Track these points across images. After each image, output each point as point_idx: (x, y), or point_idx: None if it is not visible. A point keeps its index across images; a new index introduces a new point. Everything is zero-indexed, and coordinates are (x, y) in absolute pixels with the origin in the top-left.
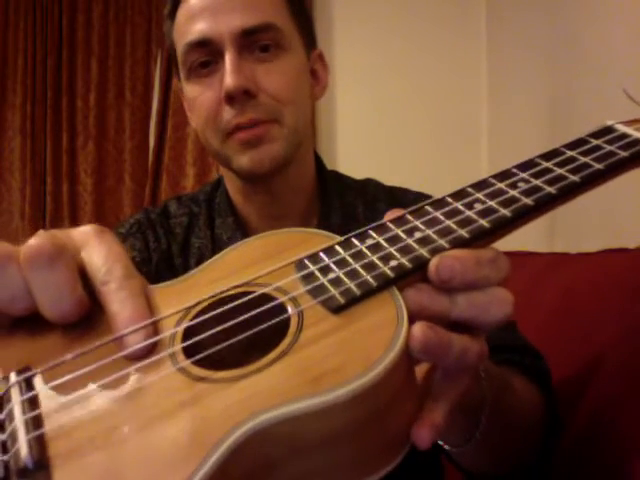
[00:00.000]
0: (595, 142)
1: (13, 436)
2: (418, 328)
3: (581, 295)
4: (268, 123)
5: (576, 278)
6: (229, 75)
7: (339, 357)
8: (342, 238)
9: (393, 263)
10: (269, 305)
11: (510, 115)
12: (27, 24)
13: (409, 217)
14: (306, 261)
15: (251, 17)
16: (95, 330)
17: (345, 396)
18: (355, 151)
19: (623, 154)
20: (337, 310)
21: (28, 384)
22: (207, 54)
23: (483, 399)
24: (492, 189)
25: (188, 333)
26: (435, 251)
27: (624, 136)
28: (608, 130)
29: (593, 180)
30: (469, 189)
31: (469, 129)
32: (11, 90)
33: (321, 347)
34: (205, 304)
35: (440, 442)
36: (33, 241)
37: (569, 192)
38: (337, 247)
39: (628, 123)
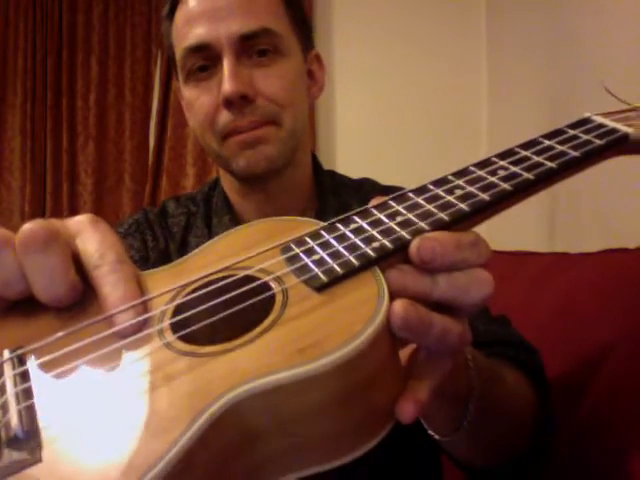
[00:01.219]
0: (572, 132)
1: (4, 408)
2: (399, 304)
3: (581, 295)
4: (266, 125)
5: (576, 278)
6: (227, 81)
7: (322, 331)
8: (327, 223)
9: (375, 244)
10: (254, 284)
11: (510, 114)
12: (27, 24)
13: (392, 203)
14: (291, 244)
15: (249, 22)
16: (88, 313)
17: (327, 366)
18: (354, 151)
19: (599, 142)
20: (320, 288)
21: (20, 361)
22: (205, 59)
23: (471, 388)
24: (472, 176)
25: (176, 312)
26: (416, 233)
27: (601, 126)
28: (585, 121)
29: (570, 167)
30: (450, 177)
31: (469, 128)
32: (11, 90)
33: (304, 322)
34: (194, 286)
35: (431, 432)
36: (28, 226)
37: (546, 178)
38: (322, 231)
39: (606, 115)
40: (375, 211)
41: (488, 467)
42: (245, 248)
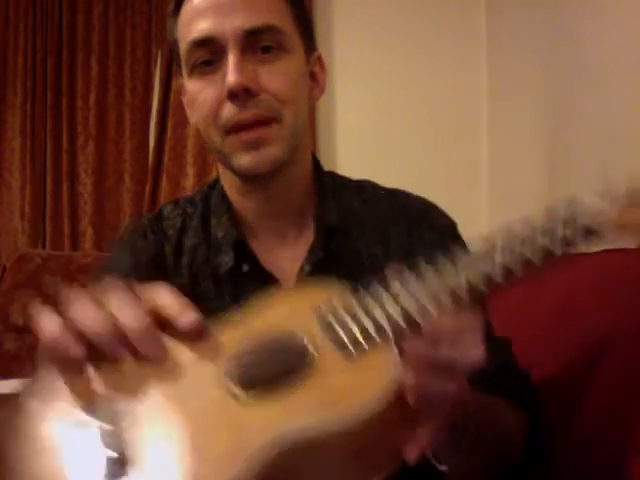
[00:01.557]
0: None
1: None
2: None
3: (581, 295)
4: (269, 123)
5: (576, 278)
6: (231, 73)
7: (348, 392)
8: (355, 296)
9: (392, 322)
10: (297, 347)
11: (510, 114)
12: (27, 24)
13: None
14: (328, 316)
15: (254, 18)
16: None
17: (351, 420)
18: (354, 151)
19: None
20: (349, 358)
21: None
22: (210, 52)
23: (467, 418)
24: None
25: (238, 366)
26: (425, 313)
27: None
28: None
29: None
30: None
31: (469, 128)
32: (11, 90)
33: (336, 381)
34: (250, 344)
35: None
36: (134, 324)
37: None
38: (353, 303)
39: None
40: (395, 286)
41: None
42: (280, 310)
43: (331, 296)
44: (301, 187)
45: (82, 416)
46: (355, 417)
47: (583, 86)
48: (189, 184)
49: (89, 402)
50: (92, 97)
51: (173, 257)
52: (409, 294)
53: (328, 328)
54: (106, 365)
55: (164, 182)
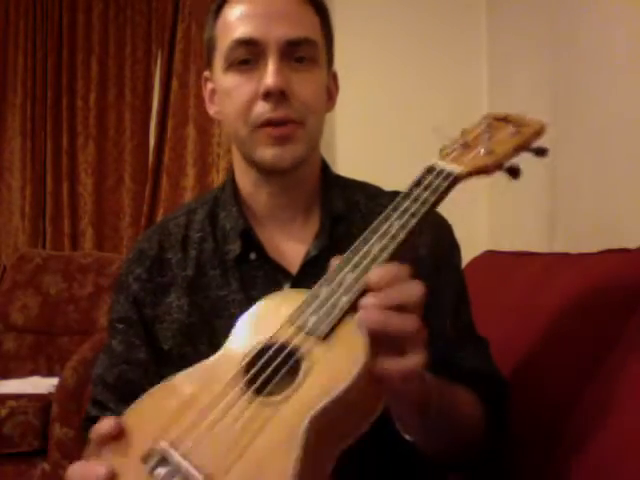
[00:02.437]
0: (428, 179)
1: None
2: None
3: (581, 295)
4: (296, 124)
5: (576, 278)
6: (272, 75)
7: (335, 373)
8: (310, 292)
9: (345, 299)
10: (286, 351)
11: (511, 109)
12: (27, 24)
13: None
14: (294, 315)
15: (296, 30)
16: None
17: (342, 391)
18: (354, 150)
19: (444, 185)
20: (322, 340)
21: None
22: (250, 53)
23: (429, 399)
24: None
25: (247, 378)
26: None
27: (441, 172)
28: (432, 168)
29: (431, 207)
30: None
31: (469, 124)
32: (11, 90)
33: (322, 369)
34: (248, 358)
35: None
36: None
37: (422, 218)
38: (309, 301)
39: (445, 156)
40: (339, 272)
41: (450, 465)
42: (259, 328)
43: (292, 301)
44: (310, 183)
45: None
46: (347, 388)
47: (583, 84)
48: (189, 184)
49: None
50: (92, 97)
51: (179, 251)
52: (348, 272)
53: (298, 326)
54: None
55: (164, 182)
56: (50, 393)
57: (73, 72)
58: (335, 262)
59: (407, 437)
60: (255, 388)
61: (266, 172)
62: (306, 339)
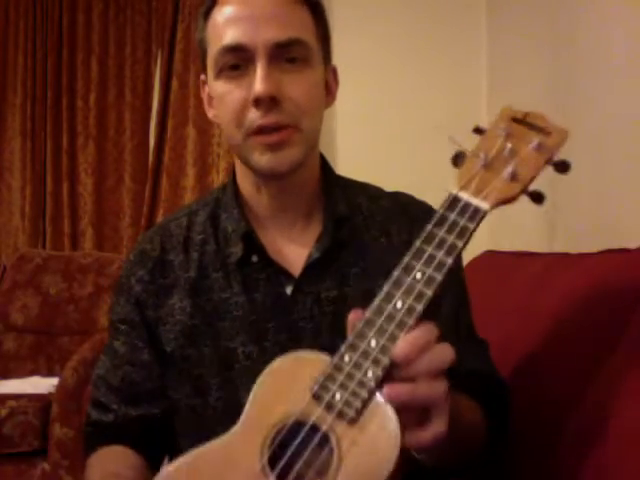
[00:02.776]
0: (452, 217)
1: None
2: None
3: (581, 295)
4: (289, 128)
5: (576, 278)
6: (260, 81)
7: (369, 460)
8: (331, 364)
9: (370, 376)
10: (306, 429)
11: None
12: (27, 24)
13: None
14: (318, 390)
15: (284, 32)
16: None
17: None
18: (354, 150)
19: (472, 225)
20: (354, 421)
21: None
22: (239, 59)
23: None
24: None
25: (273, 456)
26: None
27: (467, 206)
28: (455, 200)
29: (459, 252)
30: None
31: (469, 126)
32: (11, 90)
33: (359, 455)
34: (268, 441)
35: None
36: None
37: (449, 272)
38: (333, 372)
39: (466, 186)
40: (362, 338)
41: (451, 469)
42: (280, 396)
43: (313, 369)
44: (310, 184)
45: None
46: (389, 474)
47: (583, 84)
48: (189, 184)
49: None
50: (92, 97)
51: (181, 253)
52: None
53: (327, 405)
54: None
55: (164, 182)
56: (50, 393)
57: (73, 72)
58: (355, 318)
59: (417, 456)
60: (286, 473)
61: (264, 177)
62: (336, 421)
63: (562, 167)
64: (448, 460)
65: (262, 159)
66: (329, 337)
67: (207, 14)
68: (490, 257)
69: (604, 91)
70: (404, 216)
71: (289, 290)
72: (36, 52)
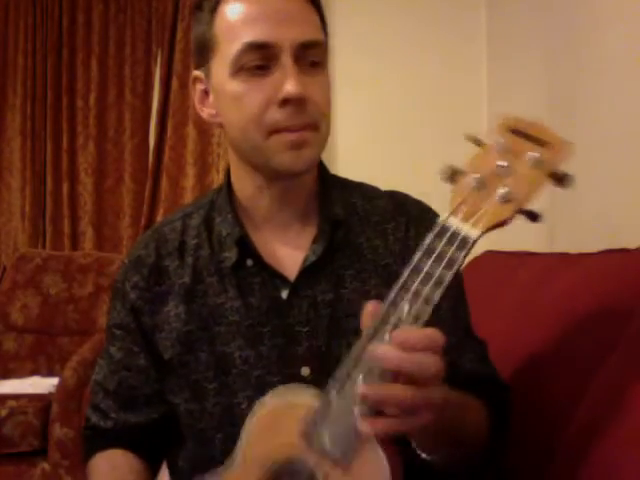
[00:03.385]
0: (440, 247)
1: None
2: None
3: (581, 295)
4: (312, 128)
5: (576, 278)
6: (291, 81)
7: None
8: (319, 403)
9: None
10: (298, 469)
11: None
12: (27, 24)
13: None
14: (307, 430)
15: (308, 32)
16: None
17: None
18: (354, 149)
19: (461, 254)
20: (341, 462)
21: None
22: (263, 57)
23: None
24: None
25: None
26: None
27: (455, 235)
28: (444, 229)
29: (448, 283)
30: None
31: (469, 129)
32: (11, 90)
33: None
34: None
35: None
36: None
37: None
38: (321, 412)
39: (455, 212)
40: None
41: (453, 470)
42: (272, 436)
43: (305, 408)
44: (309, 184)
45: None
46: None
47: (583, 86)
48: (189, 184)
49: None
50: (92, 97)
51: (176, 258)
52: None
53: (316, 445)
54: None
55: (164, 182)
56: (50, 393)
57: (73, 72)
58: (373, 310)
59: (423, 456)
60: None
61: (274, 176)
62: (327, 464)
63: (563, 181)
64: (452, 460)
65: (284, 158)
66: (325, 340)
67: (214, 10)
68: (490, 257)
69: (603, 93)
70: (400, 215)
71: (285, 294)
72: (36, 52)
